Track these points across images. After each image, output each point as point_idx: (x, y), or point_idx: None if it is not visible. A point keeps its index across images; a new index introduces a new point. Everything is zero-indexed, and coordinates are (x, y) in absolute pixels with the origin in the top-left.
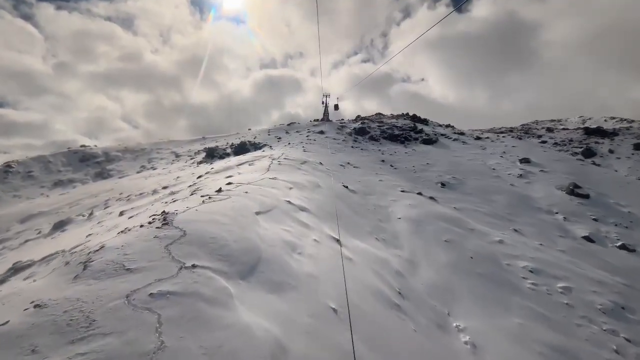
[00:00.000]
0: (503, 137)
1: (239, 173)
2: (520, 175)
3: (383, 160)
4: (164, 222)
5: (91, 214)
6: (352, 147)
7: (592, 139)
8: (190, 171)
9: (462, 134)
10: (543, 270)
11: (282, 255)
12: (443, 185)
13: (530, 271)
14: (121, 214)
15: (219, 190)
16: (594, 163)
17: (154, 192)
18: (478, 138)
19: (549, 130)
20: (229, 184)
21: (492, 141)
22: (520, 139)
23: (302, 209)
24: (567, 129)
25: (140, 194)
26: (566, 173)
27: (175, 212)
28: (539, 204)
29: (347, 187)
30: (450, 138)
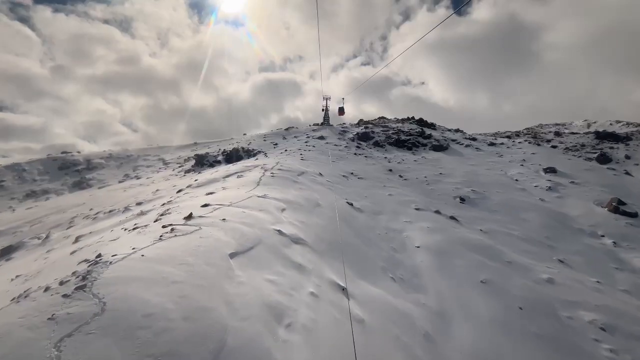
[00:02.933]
0: (519, 142)
1: (224, 188)
2: (549, 187)
3: (390, 170)
4: (81, 282)
5: (47, 237)
6: (355, 154)
7: (606, 144)
8: (173, 182)
9: (474, 139)
10: (617, 327)
11: (260, 335)
12: (462, 200)
13: (602, 328)
14: (77, 239)
15: (189, 217)
16: (627, 172)
17: (126, 209)
18: (492, 144)
19: (558, 134)
20: (205, 205)
21: (508, 147)
22: (538, 144)
23: (296, 241)
24: (576, 133)
25: (110, 211)
26: (601, 185)
27: (110, 260)
28: (579, 224)
29: (351, 204)
30: (462, 144)
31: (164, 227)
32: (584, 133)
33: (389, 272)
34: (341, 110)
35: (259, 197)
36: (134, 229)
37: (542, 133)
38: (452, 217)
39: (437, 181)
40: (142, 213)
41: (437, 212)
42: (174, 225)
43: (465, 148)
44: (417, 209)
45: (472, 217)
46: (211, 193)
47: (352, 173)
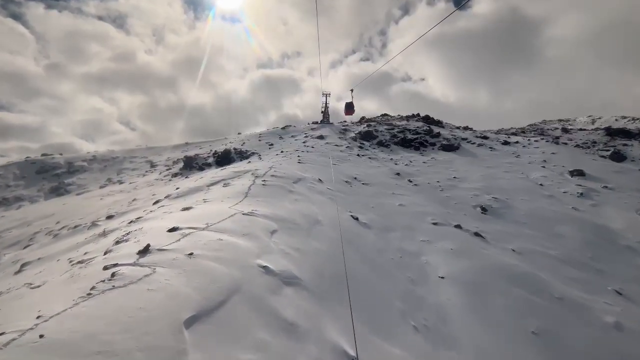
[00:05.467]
0: (535, 141)
1: (205, 200)
2: (581, 194)
3: (398, 174)
4: None
5: None
6: (358, 155)
7: (618, 141)
8: (154, 190)
9: (485, 137)
10: None
11: None
12: (484, 210)
13: None
14: (21, 268)
15: (145, 251)
16: None
17: (93, 224)
18: (506, 143)
19: (565, 131)
20: (173, 229)
21: (524, 146)
22: (556, 143)
23: (289, 281)
24: (584, 129)
25: (76, 226)
26: (638, 190)
27: None
28: (626, 240)
29: (356, 218)
30: (474, 143)
31: (105, 268)
32: (593, 129)
33: (410, 318)
34: (349, 108)
35: (244, 214)
36: (78, 262)
37: (548, 130)
38: (476, 234)
39: (452, 187)
40: (103, 234)
41: (458, 226)
42: (120, 265)
43: (478, 148)
44: (434, 224)
45: (499, 233)
46: (188, 208)
47: (355, 178)
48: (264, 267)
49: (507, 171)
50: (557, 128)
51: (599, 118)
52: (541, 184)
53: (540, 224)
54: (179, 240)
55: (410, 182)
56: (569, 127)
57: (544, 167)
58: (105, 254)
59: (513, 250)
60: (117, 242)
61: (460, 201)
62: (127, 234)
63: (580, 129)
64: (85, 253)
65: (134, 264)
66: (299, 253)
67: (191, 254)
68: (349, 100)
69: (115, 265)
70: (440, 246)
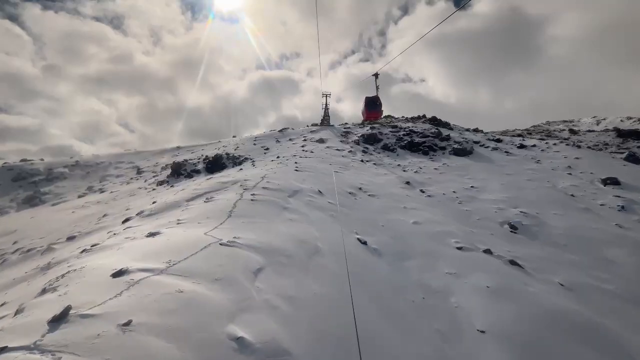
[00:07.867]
0: (554, 144)
1: (179, 222)
2: (622, 207)
3: (408, 182)
4: None
5: None
6: (362, 160)
7: (631, 143)
8: (132, 202)
9: (499, 140)
10: None
11: None
12: (513, 228)
13: None
14: None
15: (59, 319)
16: None
17: (49, 248)
18: (522, 146)
19: (573, 132)
20: (120, 273)
21: (543, 150)
22: (578, 147)
23: None
24: (593, 130)
25: (29, 250)
26: None
27: None
28: None
29: (365, 242)
30: (488, 147)
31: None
32: (602, 130)
33: None
34: (373, 106)
35: (222, 244)
36: None
37: (555, 131)
38: (512, 262)
39: (472, 198)
40: (47, 267)
41: (488, 251)
42: (10, 350)
43: (493, 152)
44: (458, 248)
45: (538, 259)
46: (154, 234)
47: (360, 188)
48: (239, 339)
49: (531, 179)
50: (563, 129)
51: (604, 119)
52: (572, 195)
53: (584, 246)
54: (120, 293)
55: (423, 192)
56: (576, 128)
57: (570, 174)
58: (16, 313)
59: (561, 285)
60: (43, 291)
61: (483, 216)
62: (63, 275)
63: (589, 130)
64: (3, 304)
65: (31, 348)
66: (292, 304)
67: (129, 322)
68: (371, 96)
69: (3, 349)
70: (472, 282)
